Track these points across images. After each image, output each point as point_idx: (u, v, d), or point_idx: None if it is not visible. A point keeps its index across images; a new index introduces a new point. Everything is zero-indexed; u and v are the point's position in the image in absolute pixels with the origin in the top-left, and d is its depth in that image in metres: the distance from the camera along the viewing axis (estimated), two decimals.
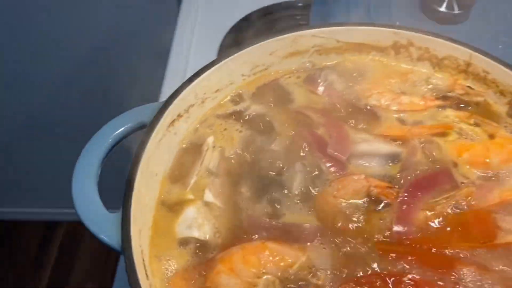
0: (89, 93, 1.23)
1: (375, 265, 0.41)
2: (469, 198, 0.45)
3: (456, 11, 0.76)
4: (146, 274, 0.40)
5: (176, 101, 0.50)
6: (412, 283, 0.39)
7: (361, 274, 0.41)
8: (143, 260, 0.41)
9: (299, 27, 0.56)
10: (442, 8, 0.76)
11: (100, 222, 0.41)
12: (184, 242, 0.45)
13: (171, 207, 0.47)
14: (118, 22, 1.07)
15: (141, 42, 1.09)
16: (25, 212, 1.75)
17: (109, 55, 1.15)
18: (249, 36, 0.83)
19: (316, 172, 0.48)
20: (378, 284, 0.39)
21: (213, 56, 0.80)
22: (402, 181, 0.47)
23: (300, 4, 0.87)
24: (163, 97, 0.74)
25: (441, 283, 0.39)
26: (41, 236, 1.76)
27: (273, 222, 0.45)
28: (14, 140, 1.45)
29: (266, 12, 0.87)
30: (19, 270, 1.67)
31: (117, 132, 0.47)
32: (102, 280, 1.61)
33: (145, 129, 0.47)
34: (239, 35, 0.82)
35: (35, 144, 1.47)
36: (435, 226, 0.44)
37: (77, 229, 1.75)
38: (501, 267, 0.40)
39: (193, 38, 0.82)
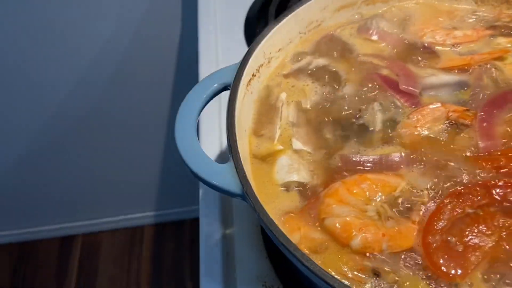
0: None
1: (471, 178, 0.45)
2: None
3: None
4: None
5: (250, 62, 0.52)
6: None
7: (462, 187, 0.44)
8: None
9: None
10: None
11: (214, 173, 0.43)
12: (287, 186, 0.47)
13: (264, 159, 0.50)
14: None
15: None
16: (41, 230, 1.73)
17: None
18: None
19: (394, 109, 0.51)
20: (480, 192, 0.43)
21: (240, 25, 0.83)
22: (474, 104, 0.50)
23: None
24: (203, 73, 0.76)
25: None
26: (58, 251, 1.75)
27: (365, 157, 0.48)
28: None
29: None
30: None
31: (208, 92, 0.50)
32: (128, 282, 1.64)
33: (230, 88, 0.50)
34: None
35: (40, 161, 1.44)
36: None
37: (93, 239, 1.76)
38: None
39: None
